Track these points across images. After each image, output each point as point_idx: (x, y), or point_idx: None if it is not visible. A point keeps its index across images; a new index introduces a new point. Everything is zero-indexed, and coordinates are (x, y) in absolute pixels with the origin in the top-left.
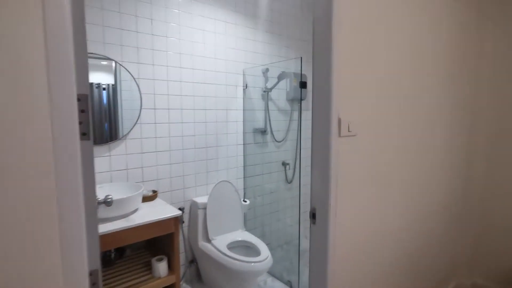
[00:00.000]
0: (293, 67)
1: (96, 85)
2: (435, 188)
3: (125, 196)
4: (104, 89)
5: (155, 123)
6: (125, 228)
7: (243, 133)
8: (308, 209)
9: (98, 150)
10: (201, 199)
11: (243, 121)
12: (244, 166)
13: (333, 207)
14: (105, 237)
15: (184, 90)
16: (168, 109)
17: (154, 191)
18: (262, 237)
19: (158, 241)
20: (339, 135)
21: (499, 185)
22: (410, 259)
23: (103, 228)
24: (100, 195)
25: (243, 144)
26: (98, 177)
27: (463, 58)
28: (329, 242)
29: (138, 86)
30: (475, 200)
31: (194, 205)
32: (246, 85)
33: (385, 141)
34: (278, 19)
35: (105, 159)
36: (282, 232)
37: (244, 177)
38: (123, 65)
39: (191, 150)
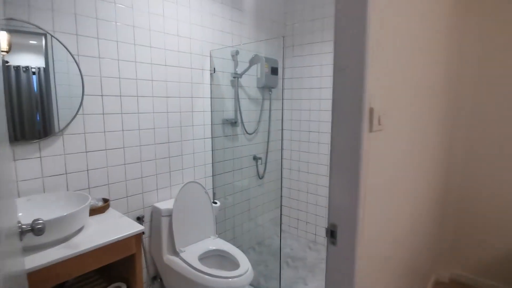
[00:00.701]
0: (263, 50)
1: (24, 69)
2: (429, 185)
3: (64, 214)
4: (34, 73)
5: (103, 113)
6: (65, 259)
7: (211, 124)
8: (277, 205)
9: (22, 150)
10: (165, 205)
11: (211, 111)
12: (212, 163)
13: (361, 223)
14: (33, 275)
15: (140, 73)
16: (120, 95)
17: (105, 200)
18: (233, 240)
19: (114, 264)
20: (371, 130)
21: (477, 178)
22: (406, 259)
23: (30, 261)
24: (26, 216)
25: (211, 137)
26: (23, 187)
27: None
28: (356, 268)
29: (78, 66)
30: (454, 192)
31: (156, 212)
32: (214, 69)
33: (409, 138)
34: None
35: (33, 162)
36: (254, 232)
37: (213, 175)
38: (55, 36)
39: (150, 146)
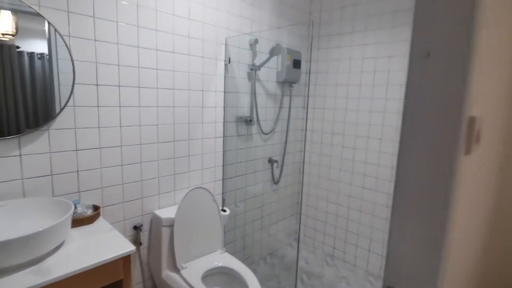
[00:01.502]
0: (285, 40)
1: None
2: None
3: (39, 229)
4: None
5: (97, 106)
6: None
7: (224, 122)
8: (292, 212)
9: None
10: (167, 213)
11: (224, 107)
12: (223, 165)
13: None
14: None
15: (143, 60)
16: (119, 86)
17: (96, 208)
18: (242, 250)
19: None
20: (468, 152)
21: None
22: None
23: None
24: None
25: (223, 136)
26: None
27: None
28: None
29: (68, 49)
30: None
31: (156, 221)
32: (229, 59)
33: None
34: None
35: (12, 161)
36: (265, 242)
37: (223, 179)
38: (40, 12)
39: (152, 145)
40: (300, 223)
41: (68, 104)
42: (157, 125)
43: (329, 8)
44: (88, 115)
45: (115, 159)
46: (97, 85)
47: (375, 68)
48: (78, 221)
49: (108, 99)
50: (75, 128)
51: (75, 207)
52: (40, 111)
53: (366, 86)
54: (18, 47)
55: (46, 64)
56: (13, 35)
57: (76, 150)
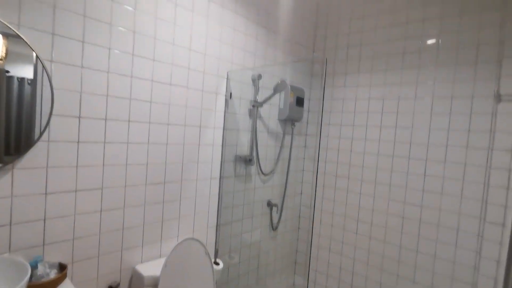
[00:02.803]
0: (289, 77)
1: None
2: None
3: None
4: None
5: (78, 141)
6: None
7: (221, 161)
8: (291, 262)
9: None
10: (150, 269)
11: (222, 145)
12: (218, 210)
13: None
14: None
15: (136, 91)
16: (106, 119)
17: (63, 266)
18: None
19: None
20: None
21: None
22: None
23: None
24: None
25: (220, 177)
26: None
27: None
28: None
29: (48, 75)
30: None
31: (137, 280)
32: (231, 94)
33: None
34: (277, 12)
35: None
36: None
37: (217, 225)
38: (19, 32)
39: (139, 187)
40: (308, 278)
41: (41, 139)
42: (147, 164)
43: (333, 47)
44: (65, 151)
45: (94, 203)
46: (79, 117)
47: (382, 109)
48: (35, 287)
49: (91, 133)
50: (46, 167)
51: (36, 267)
52: (13, 145)
53: (374, 127)
54: (7, 71)
55: (28, 91)
56: (1, 59)
57: (45, 194)
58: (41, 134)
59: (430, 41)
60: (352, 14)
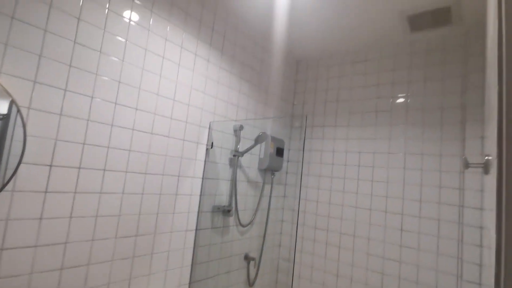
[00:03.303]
0: (269, 128)
1: None
2: None
3: None
4: None
5: (45, 191)
6: None
7: (198, 212)
8: None
9: None
10: None
11: (200, 195)
12: (192, 265)
13: None
14: None
15: (115, 140)
16: (79, 168)
17: None
18: None
19: None
20: None
21: None
22: None
23: None
24: None
25: (196, 229)
26: None
27: None
28: None
29: (23, 122)
30: None
31: None
32: (212, 143)
33: None
34: (260, 68)
35: None
36: None
37: (190, 283)
38: None
39: (108, 241)
40: None
41: (5, 189)
42: (119, 215)
43: (312, 101)
44: (30, 202)
45: (54, 260)
46: (51, 165)
47: (359, 163)
48: None
49: (61, 183)
50: (7, 220)
51: None
52: None
53: (351, 179)
54: None
55: None
56: None
57: (0, 249)
58: (5, 183)
59: (399, 101)
60: (329, 74)
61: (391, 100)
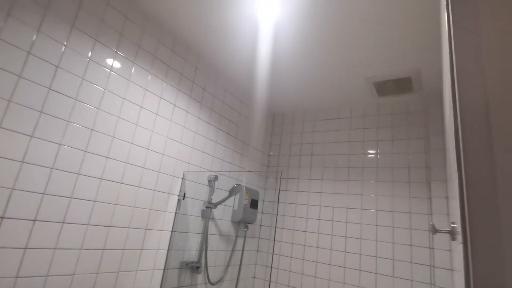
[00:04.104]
0: (244, 179)
1: None
2: None
3: None
4: None
5: None
6: None
7: (164, 269)
8: None
9: None
10: None
11: (168, 250)
12: None
13: None
14: None
15: (80, 190)
16: (35, 220)
17: None
18: None
19: None
20: None
21: None
22: None
23: None
24: None
25: None
26: None
27: None
28: None
29: None
30: None
31: None
32: (184, 194)
33: None
34: (237, 120)
35: None
36: None
37: None
38: None
39: None
40: None
41: None
42: (73, 274)
43: (287, 154)
44: None
45: None
46: (2, 217)
47: (332, 217)
48: None
49: (11, 238)
50: None
51: None
52: None
53: (325, 235)
54: None
55: None
56: None
57: None
58: None
59: (370, 158)
60: (304, 128)
61: (362, 156)
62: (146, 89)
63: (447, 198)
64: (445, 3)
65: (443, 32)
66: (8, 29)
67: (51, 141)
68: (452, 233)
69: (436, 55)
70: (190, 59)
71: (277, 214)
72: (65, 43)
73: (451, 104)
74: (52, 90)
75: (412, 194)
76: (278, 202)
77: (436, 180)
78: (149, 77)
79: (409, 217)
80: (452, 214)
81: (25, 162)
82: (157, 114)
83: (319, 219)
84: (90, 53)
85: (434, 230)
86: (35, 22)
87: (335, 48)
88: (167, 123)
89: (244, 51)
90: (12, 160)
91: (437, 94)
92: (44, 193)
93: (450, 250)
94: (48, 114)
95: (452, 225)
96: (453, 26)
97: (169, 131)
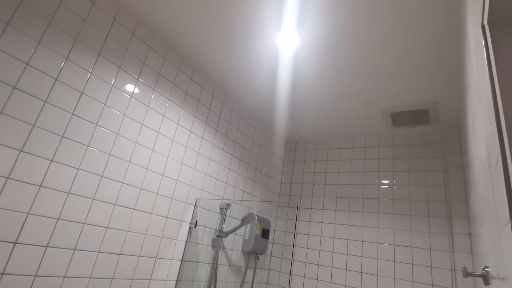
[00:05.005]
0: (256, 207)
1: None
2: None
3: None
4: None
5: (2, 273)
6: None
7: None
8: None
9: None
10: None
11: (177, 280)
12: None
13: None
14: None
15: (93, 215)
16: (47, 246)
17: None
18: None
19: None
20: None
21: None
22: None
23: None
24: None
25: None
26: None
27: None
28: None
29: None
30: None
31: None
32: (196, 222)
33: None
34: (251, 147)
35: None
36: None
37: None
38: None
39: None
40: None
41: None
42: None
43: (299, 182)
44: None
45: None
46: (15, 243)
47: (347, 251)
48: None
49: (22, 264)
50: None
51: None
52: None
53: (339, 270)
54: None
55: None
56: None
57: None
58: None
59: (385, 190)
60: (317, 156)
61: (377, 187)
62: (164, 115)
63: (469, 234)
64: (484, 43)
65: (470, 69)
66: (38, 55)
67: (70, 166)
68: (485, 278)
69: (454, 88)
70: (207, 87)
71: (293, 246)
72: (90, 70)
73: (497, 144)
74: (75, 115)
75: (432, 229)
76: (295, 233)
77: (458, 216)
78: (168, 103)
79: (430, 254)
80: (478, 253)
81: (43, 187)
82: (173, 140)
83: (333, 252)
84: (113, 79)
85: (466, 273)
86: (64, 50)
87: (352, 78)
88: (183, 149)
89: (260, 81)
90: (31, 184)
91: (455, 126)
92: (58, 218)
93: None
94: (69, 139)
95: (486, 269)
96: (495, 66)
97: (184, 157)
